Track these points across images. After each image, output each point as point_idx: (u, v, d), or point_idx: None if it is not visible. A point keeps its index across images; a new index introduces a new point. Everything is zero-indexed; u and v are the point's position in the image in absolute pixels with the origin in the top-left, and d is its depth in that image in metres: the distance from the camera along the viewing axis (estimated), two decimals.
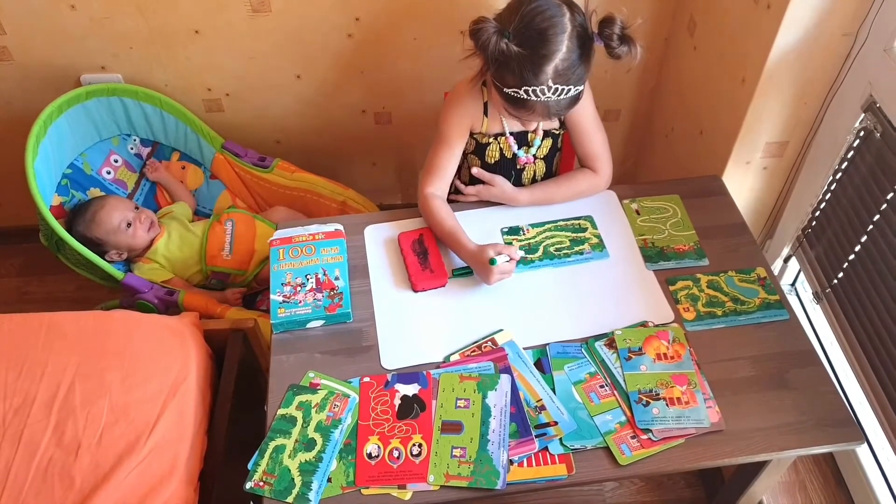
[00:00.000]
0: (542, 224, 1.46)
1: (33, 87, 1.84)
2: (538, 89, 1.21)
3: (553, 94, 1.22)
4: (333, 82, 1.91)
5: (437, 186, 1.46)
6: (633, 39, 1.22)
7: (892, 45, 1.30)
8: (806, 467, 1.73)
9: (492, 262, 1.31)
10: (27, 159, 1.63)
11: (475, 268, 1.37)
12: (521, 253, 1.39)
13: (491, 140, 1.48)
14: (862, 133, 1.42)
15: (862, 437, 1.17)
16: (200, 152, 1.96)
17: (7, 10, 1.68)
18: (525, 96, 1.23)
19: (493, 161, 1.51)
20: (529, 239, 1.44)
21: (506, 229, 1.45)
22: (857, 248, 1.46)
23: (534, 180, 1.58)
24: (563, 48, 1.19)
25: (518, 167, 1.53)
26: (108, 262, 1.77)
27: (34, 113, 1.68)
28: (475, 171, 1.48)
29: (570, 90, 1.23)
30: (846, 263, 1.50)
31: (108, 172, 1.89)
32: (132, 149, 1.93)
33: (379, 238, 1.47)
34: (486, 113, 1.44)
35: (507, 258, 1.33)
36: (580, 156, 1.53)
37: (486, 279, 1.34)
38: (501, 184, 1.48)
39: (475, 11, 1.71)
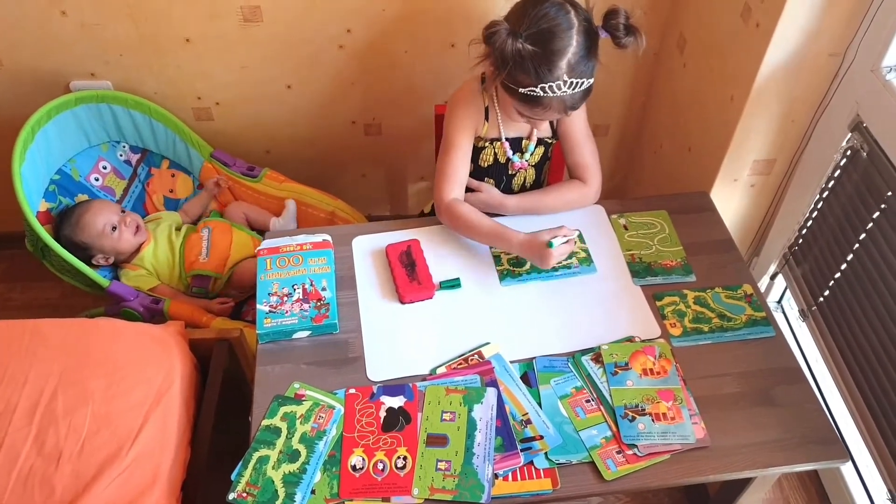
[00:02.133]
0: None
1: (22, 93, 1.83)
2: (554, 85, 1.24)
3: (568, 87, 1.25)
4: (324, 93, 1.91)
5: (457, 191, 1.45)
6: (637, 29, 1.27)
7: (878, 65, 1.32)
8: (791, 484, 1.73)
9: (549, 244, 1.32)
10: (14, 165, 1.62)
11: (530, 255, 1.36)
12: (576, 233, 1.40)
13: (487, 144, 1.49)
14: (849, 152, 1.43)
15: (846, 455, 1.17)
16: (189, 161, 1.95)
17: None
18: (541, 93, 1.26)
19: (486, 165, 1.52)
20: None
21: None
22: (844, 266, 1.47)
23: (523, 187, 1.59)
24: (573, 42, 1.23)
25: (510, 173, 1.54)
26: (95, 266, 1.75)
27: (22, 118, 1.67)
28: None
29: (583, 83, 1.27)
30: (832, 281, 1.51)
31: (97, 179, 1.88)
32: (121, 156, 1.92)
33: (367, 249, 1.46)
34: (486, 118, 1.45)
35: (564, 239, 1.34)
36: (570, 166, 1.54)
37: (543, 264, 1.34)
38: (489, 190, 1.49)
39: (466, 25, 1.74)
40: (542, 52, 1.23)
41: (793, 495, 1.72)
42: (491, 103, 1.44)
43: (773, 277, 1.77)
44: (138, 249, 1.82)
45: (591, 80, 1.29)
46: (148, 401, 1.29)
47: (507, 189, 1.58)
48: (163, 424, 1.28)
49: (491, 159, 1.51)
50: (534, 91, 1.26)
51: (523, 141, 1.50)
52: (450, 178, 1.44)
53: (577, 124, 1.48)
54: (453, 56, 1.81)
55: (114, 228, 1.76)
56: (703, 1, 1.62)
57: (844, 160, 1.44)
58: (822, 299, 1.56)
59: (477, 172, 1.53)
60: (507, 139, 1.48)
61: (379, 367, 1.27)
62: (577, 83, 1.26)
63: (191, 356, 1.43)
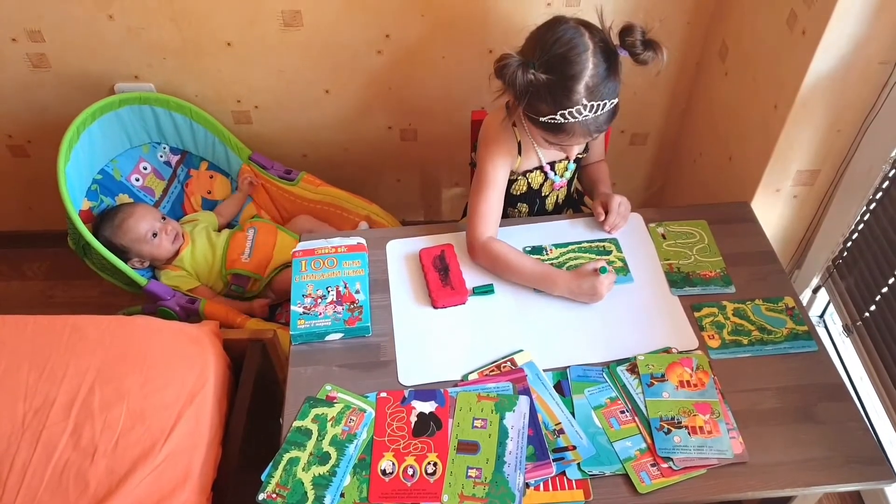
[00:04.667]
0: (566, 245, 1.45)
1: (69, 95, 1.88)
2: (573, 110, 1.22)
3: (590, 111, 1.22)
4: (361, 98, 1.92)
5: (492, 230, 1.42)
6: (657, 43, 1.23)
7: None
8: None
9: (602, 270, 1.31)
10: (59, 164, 1.65)
11: (578, 291, 1.33)
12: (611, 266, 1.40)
13: (519, 176, 1.48)
14: None
15: (893, 475, 1.13)
16: (228, 163, 1.98)
17: (47, 18, 1.72)
18: (562, 120, 1.23)
19: (518, 193, 1.51)
20: (552, 259, 1.42)
21: (528, 248, 1.44)
22: (891, 280, 1.42)
23: (556, 205, 1.58)
24: (589, 65, 1.20)
25: (543, 195, 1.54)
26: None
27: (68, 119, 1.71)
28: None
29: (605, 104, 1.23)
30: (878, 296, 1.47)
31: (137, 179, 1.91)
32: (161, 157, 1.95)
33: (400, 253, 1.46)
34: (519, 152, 1.43)
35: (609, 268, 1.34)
36: (587, 162, 1.57)
37: (595, 297, 1.32)
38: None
39: (504, 31, 1.74)
40: (557, 79, 1.20)
41: None
42: (523, 136, 1.41)
43: (815, 291, 1.72)
44: (177, 252, 1.84)
45: (615, 101, 1.25)
46: (181, 399, 1.30)
47: (542, 209, 1.57)
48: (195, 423, 1.29)
49: (524, 187, 1.50)
50: (554, 119, 1.23)
51: (558, 163, 1.49)
52: (485, 218, 1.41)
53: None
54: (490, 62, 1.78)
55: (154, 235, 1.79)
56: (746, 8, 1.59)
57: (893, 171, 1.40)
58: (867, 315, 1.51)
59: (509, 199, 1.51)
60: (547, 163, 1.47)
61: (410, 372, 1.26)
62: (598, 105, 1.22)
63: (224, 356, 1.44)
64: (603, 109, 1.23)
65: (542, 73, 1.20)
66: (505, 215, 1.56)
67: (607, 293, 1.32)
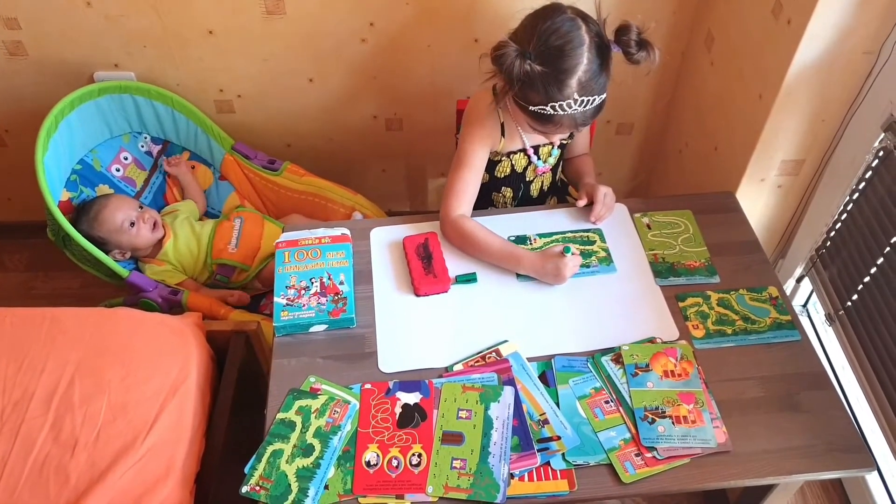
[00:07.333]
0: (550, 234, 1.44)
1: (47, 83, 1.85)
2: (564, 104, 1.22)
3: (579, 105, 1.23)
4: (346, 87, 1.90)
5: (465, 208, 1.42)
6: (650, 44, 1.23)
7: None
8: (814, 493, 1.70)
9: (566, 250, 1.31)
10: (37, 154, 1.62)
11: (543, 271, 1.33)
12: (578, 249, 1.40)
13: (503, 157, 1.48)
14: (881, 153, 1.39)
15: (873, 464, 1.14)
16: (210, 153, 1.95)
17: (23, 5, 1.69)
18: (552, 112, 1.24)
19: (502, 175, 1.51)
20: (536, 249, 1.42)
21: (513, 237, 1.44)
22: (873, 270, 1.43)
23: (541, 191, 1.57)
24: (583, 60, 1.20)
25: (528, 180, 1.53)
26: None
27: (46, 108, 1.68)
28: None
29: (594, 100, 1.24)
30: (861, 286, 1.48)
31: (118, 169, 1.89)
32: (143, 146, 1.93)
33: (384, 241, 1.45)
34: (503, 133, 1.43)
35: (575, 250, 1.34)
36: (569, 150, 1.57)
37: (558, 278, 1.32)
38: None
39: (490, 20, 1.72)
40: (552, 72, 1.20)
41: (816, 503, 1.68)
42: (507, 118, 1.41)
43: (799, 280, 1.73)
44: (160, 245, 1.82)
45: (604, 96, 1.26)
46: (164, 391, 1.29)
47: (526, 195, 1.56)
48: (178, 415, 1.28)
49: (508, 170, 1.50)
50: (544, 109, 1.24)
51: (542, 148, 1.49)
52: (459, 194, 1.41)
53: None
54: (476, 51, 1.78)
55: (132, 224, 1.76)
56: None
57: (876, 161, 1.41)
58: (850, 304, 1.52)
59: (494, 183, 1.52)
60: (530, 147, 1.47)
61: (391, 359, 1.26)
62: (588, 101, 1.23)
63: (207, 348, 1.43)
64: (591, 105, 1.24)
65: (537, 65, 1.20)
66: (489, 201, 1.56)
67: (571, 275, 1.33)
